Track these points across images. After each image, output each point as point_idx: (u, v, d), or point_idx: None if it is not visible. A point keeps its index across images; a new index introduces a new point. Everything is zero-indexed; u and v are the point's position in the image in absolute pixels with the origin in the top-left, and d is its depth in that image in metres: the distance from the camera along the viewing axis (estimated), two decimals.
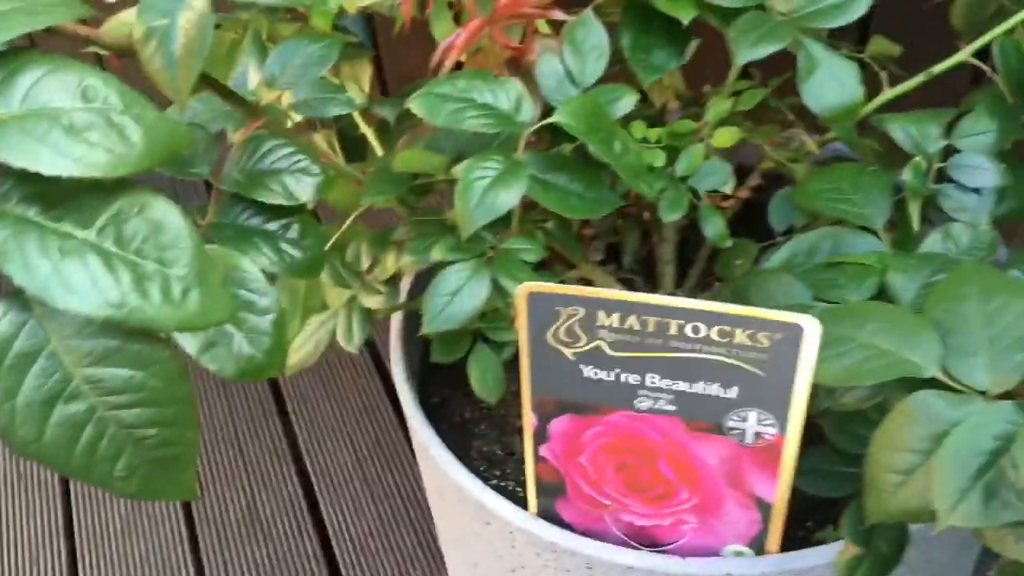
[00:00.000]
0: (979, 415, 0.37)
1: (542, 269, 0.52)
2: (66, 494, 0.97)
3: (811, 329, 0.39)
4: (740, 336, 0.40)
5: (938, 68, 0.58)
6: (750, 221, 0.61)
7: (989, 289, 0.40)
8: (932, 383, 0.39)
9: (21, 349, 0.28)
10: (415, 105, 0.46)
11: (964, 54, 0.58)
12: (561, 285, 0.41)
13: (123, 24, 0.61)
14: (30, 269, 0.27)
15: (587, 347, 0.43)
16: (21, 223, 0.28)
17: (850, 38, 0.64)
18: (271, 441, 0.99)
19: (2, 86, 0.28)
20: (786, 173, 0.63)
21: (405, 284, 0.63)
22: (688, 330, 0.41)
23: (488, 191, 0.45)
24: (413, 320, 0.62)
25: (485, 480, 0.55)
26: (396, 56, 1.10)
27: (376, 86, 1.03)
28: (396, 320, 0.61)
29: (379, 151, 0.62)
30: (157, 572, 0.89)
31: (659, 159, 0.55)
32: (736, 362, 0.41)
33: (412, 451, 0.95)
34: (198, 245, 0.30)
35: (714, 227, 0.56)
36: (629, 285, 0.63)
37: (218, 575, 0.89)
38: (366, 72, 0.72)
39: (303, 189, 0.43)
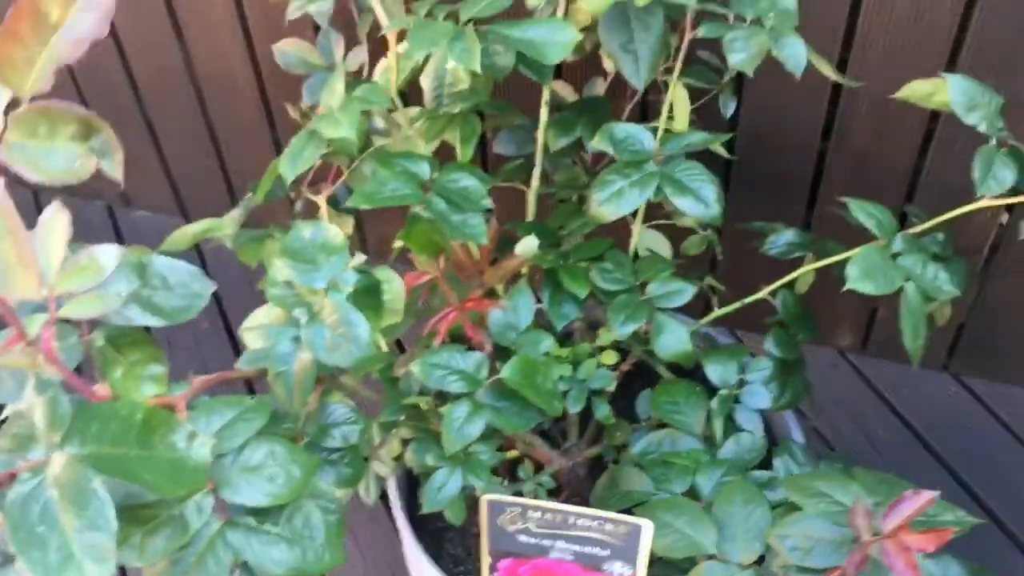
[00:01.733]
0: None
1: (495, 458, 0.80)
2: None
3: (647, 527, 0.68)
4: (609, 526, 0.69)
5: (748, 299, 0.88)
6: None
7: (747, 499, 0.69)
8: (713, 556, 0.68)
9: None
10: (417, 370, 0.73)
11: (763, 293, 0.88)
12: (508, 496, 0.70)
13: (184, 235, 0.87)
14: (256, 554, 0.54)
15: (522, 526, 0.71)
16: (246, 528, 0.55)
17: (697, 272, 0.93)
18: None
19: (239, 457, 0.55)
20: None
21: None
22: (580, 522, 0.70)
23: (462, 426, 0.73)
24: (407, 474, 0.89)
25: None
26: (375, 218, 1.36)
27: (356, 241, 1.29)
28: (396, 477, 0.88)
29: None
30: None
31: (567, 369, 0.84)
32: (607, 538, 0.70)
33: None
34: (327, 524, 0.57)
35: (601, 412, 0.85)
36: (547, 437, 0.91)
37: None
38: (349, 227, 0.98)
39: (352, 435, 0.70)
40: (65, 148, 0.38)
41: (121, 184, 0.41)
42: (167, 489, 0.46)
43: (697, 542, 0.68)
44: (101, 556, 0.40)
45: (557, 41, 0.72)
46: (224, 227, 0.91)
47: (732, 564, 0.68)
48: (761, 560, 0.67)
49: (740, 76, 1.11)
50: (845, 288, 0.75)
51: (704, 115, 0.90)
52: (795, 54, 0.75)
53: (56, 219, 0.50)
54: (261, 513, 0.56)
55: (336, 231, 0.67)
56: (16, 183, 0.40)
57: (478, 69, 0.70)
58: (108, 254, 0.50)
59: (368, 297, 0.66)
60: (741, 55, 0.74)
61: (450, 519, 0.83)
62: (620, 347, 0.88)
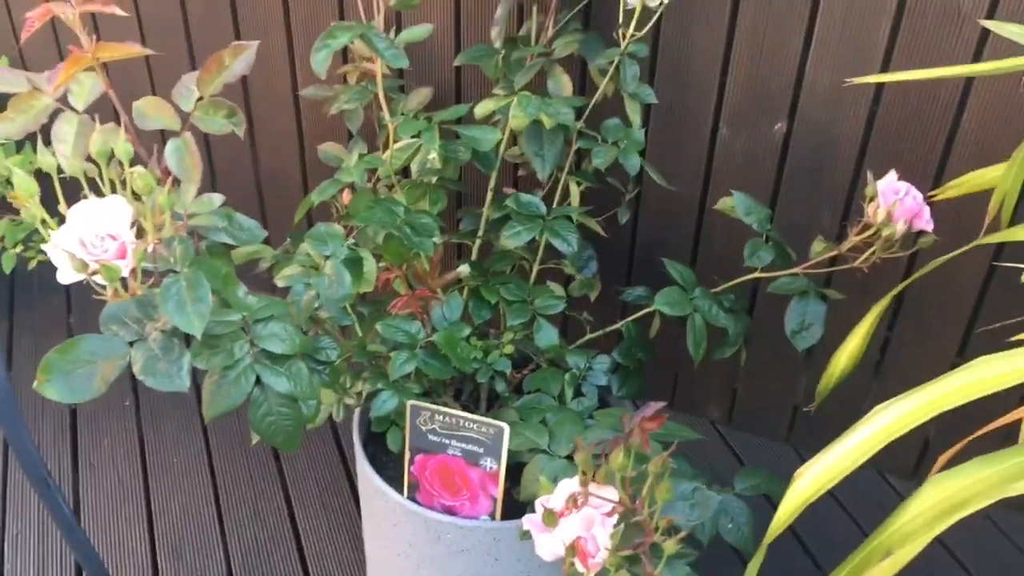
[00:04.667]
0: (555, 464, 1.03)
1: (423, 397, 1.18)
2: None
3: (506, 428, 1.05)
4: (483, 428, 1.06)
5: (610, 328, 1.28)
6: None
7: (571, 422, 1.06)
8: (545, 452, 1.05)
9: (259, 401, 0.93)
10: (379, 327, 1.12)
11: (618, 325, 1.27)
12: (422, 403, 1.07)
13: (239, 253, 1.25)
14: (268, 379, 0.92)
15: (431, 427, 1.09)
16: (264, 365, 0.93)
17: (580, 310, 1.33)
18: (267, 480, 1.61)
19: (267, 325, 0.94)
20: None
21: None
22: (466, 424, 1.07)
23: (402, 364, 1.11)
24: (365, 412, 1.27)
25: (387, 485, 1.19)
26: None
27: None
28: (358, 411, 1.26)
29: (359, 330, 1.28)
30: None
31: (479, 354, 1.22)
32: (482, 438, 1.07)
33: (349, 482, 1.58)
34: (311, 382, 0.95)
35: (500, 387, 1.22)
36: (465, 407, 1.29)
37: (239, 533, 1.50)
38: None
39: (332, 354, 1.08)
40: (220, 120, 0.80)
41: (241, 137, 0.82)
42: (236, 308, 0.85)
43: (536, 442, 1.05)
44: (201, 314, 0.79)
45: (487, 138, 1.16)
46: (265, 252, 1.33)
47: (556, 456, 1.04)
48: (571, 456, 1.04)
49: (637, 198, 1.54)
50: (652, 308, 1.16)
51: (613, 225, 1.32)
52: (633, 164, 1.18)
53: (191, 184, 0.91)
54: (275, 358, 0.94)
55: (338, 228, 1.08)
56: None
57: (436, 149, 1.13)
58: (216, 198, 0.91)
59: (353, 265, 1.06)
60: (600, 160, 1.17)
61: (391, 446, 1.20)
62: (524, 356, 1.27)
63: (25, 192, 0.68)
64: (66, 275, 0.69)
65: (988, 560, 1.50)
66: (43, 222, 0.69)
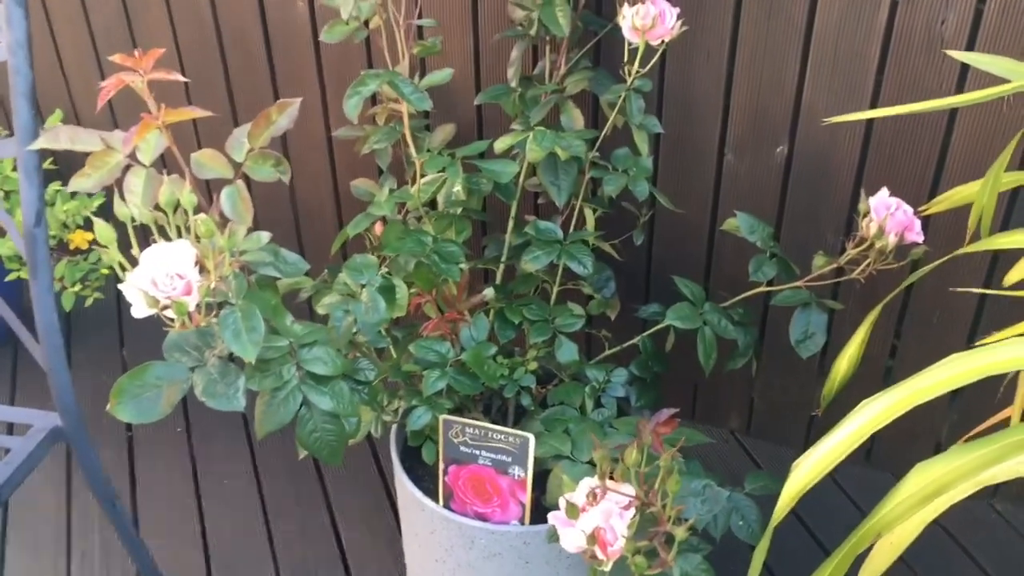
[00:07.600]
0: (577, 468, 1.12)
1: (454, 413, 1.27)
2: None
3: (531, 438, 1.14)
4: (510, 439, 1.15)
5: (627, 344, 1.36)
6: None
7: (593, 430, 1.15)
8: (568, 458, 1.13)
9: (306, 418, 1.02)
10: (412, 348, 1.22)
11: (635, 340, 1.36)
12: (455, 416, 1.16)
13: (282, 283, 1.36)
14: (313, 398, 1.02)
15: (463, 439, 1.18)
16: (310, 385, 1.03)
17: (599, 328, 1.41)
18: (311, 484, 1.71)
19: (311, 350, 1.04)
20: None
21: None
22: (494, 436, 1.16)
23: (434, 382, 1.20)
24: (401, 429, 1.36)
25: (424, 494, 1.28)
26: None
27: None
28: (395, 428, 1.35)
29: (394, 353, 1.37)
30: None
31: (506, 370, 1.31)
32: (510, 448, 1.16)
33: (388, 499, 1.67)
34: (351, 400, 1.05)
35: (526, 400, 1.31)
36: (494, 421, 1.37)
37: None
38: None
39: (370, 375, 1.18)
40: (268, 169, 0.90)
41: (286, 183, 0.92)
42: (284, 335, 0.95)
43: (560, 450, 1.14)
44: (255, 342, 0.88)
45: (506, 171, 1.25)
46: (305, 283, 1.43)
47: (578, 462, 1.13)
48: (592, 461, 1.12)
49: (652, 222, 1.63)
50: (665, 323, 1.24)
51: (630, 247, 1.41)
52: (642, 190, 1.27)
53: (243, 226, 1.02)
54: (319, 379, 1.03)
55: (373, 258, 1.18)
56: None
57: (460, 183, 1.23)
58: (264, 236, 1.02)
59: (387, 292, 1.15)
60: (611, 187, 1.26)
61: (426, 459, 1.29)
62: (548, 372, 1.36)
63: (104, 238, 0.79)
64: (140, 310, 0.79)
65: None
66: (120, 265, 0.79)
